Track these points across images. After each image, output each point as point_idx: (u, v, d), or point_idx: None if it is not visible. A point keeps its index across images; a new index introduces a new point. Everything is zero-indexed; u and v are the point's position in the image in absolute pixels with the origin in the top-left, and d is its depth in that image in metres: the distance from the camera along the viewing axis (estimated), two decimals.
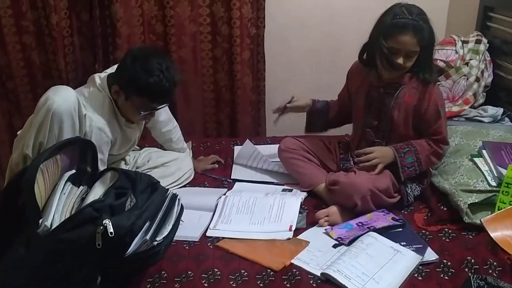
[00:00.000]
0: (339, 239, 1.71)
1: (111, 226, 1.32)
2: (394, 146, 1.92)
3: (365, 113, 2.02)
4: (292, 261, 1.62)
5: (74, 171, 1.58)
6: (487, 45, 2.47)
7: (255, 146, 2.31)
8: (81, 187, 1.55)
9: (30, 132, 1.71)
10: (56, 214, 1.40)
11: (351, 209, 1.85)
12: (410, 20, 1.78)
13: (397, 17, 1.80)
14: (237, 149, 2.39)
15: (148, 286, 1.52)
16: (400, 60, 1.83)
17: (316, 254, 1.65)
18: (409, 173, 1.91)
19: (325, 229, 1.79)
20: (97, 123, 1.82)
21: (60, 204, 1.43)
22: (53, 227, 1.36)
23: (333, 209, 1.86)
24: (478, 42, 2.46)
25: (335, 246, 1.70)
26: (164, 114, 2.18)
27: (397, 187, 1.91)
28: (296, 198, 1.93)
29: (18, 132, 1.85)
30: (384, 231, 1.72)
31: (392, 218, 1.80)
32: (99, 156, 1.75)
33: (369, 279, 1.51)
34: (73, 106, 1.71)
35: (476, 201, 1.77)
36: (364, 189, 1.81)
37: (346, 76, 2.16)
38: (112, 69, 1.97)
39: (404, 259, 1.59)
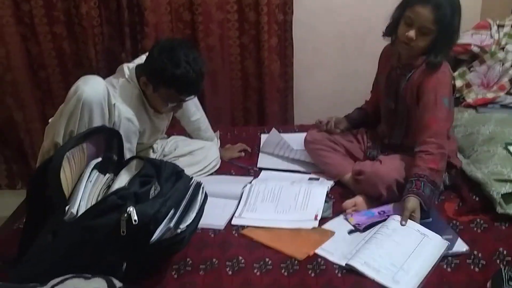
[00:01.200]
0: (357, 225, 1.69)
1: (135, 214, 1.33)
2: (417, 193, 1.69)
3: (385, 96, 1.98)
4: (316, 251, 1.60)
5: (100, 159, 1.60)
6: None
7: (281, 135, 2.29)
8: (107, 175, 1.57)
9: (61, 121, 1.74)
10: (82, 202, 1.42)
11: (377, 199, 1.82)
12: None
13: None
14: (263, 137, 2.38)
15: (173, 273, 1.53)
16: (412, 33, 1.74)
17: (341, 244, 1.63)
18: (432, 200, 1.75)
19: (345, 216, 1.76)
20: (126, 113, 1.83)
21: (86, 191, 1.45)
22: (79, 214, 1.38)
23: (360, 199, 1.84)
24: None
25: (350, 232, 1.68)
26: (192, 104, 2.19)
27: None
28: (323, 187, 1.91)
29: (50, 120, 1.89)
30: None
31: None
32: (127, 145, 1.77)
33: (398, 270, 1.48)
34: (102, 95, 1.72)
35: (510, 191, 1.71)
36: (389, 178, 1.77)
37: (378, 62, 2.10)
38: (141, 59, 1.98)
39: (431, 244, 1.56)
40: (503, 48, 2.32)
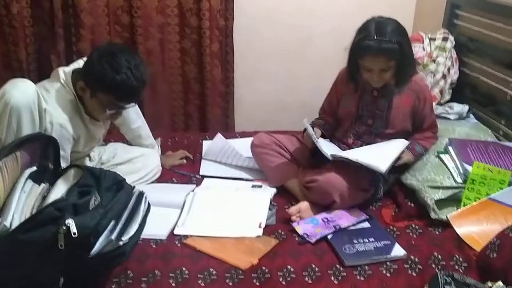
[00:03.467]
0: (305, 235, 1.71)
1: (74, 226, 1.28)
2: (411, 149, 1.97)
3: (357, 115, 2.04)
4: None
5: (35, 168, 1.52)
6: (454, 42, 2.50)
7: (226, 140, 2.28)
8: (43, 185, 1.49)
9: None
10: (16, 214, 1.34)
11: (327, 206, 1.85)
12: (377, 42, 1.81)
13: (365, 38, 1.84)
14: (206, 144, 2.36)
15: (113, 287, 1.48)
16: (375, 77, 1.89)
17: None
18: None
19: (292, 224, 1.78)
20: (58, 119, 1.75)
21: (20, 203, 1.37)
22: (12, 227, 1.30)
23: (304, 205, 1.86)
24: (445, 39, 2.49)
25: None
26: (132, 110, 2.13)
27: (371, 179, 1.92)
28: (266, 194, 1.92)
29: None
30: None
31: (356, 213, 1.82)
32: (61, 153, 1.69)
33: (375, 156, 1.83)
34: (32, 100, 1.64)
35: (443, 197, 1.80)
36: (342, 186, 1.82)
37: (334, 84, 2.15)
38: (78, 63, 1.90)
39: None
40: (434, 60, 2.44)
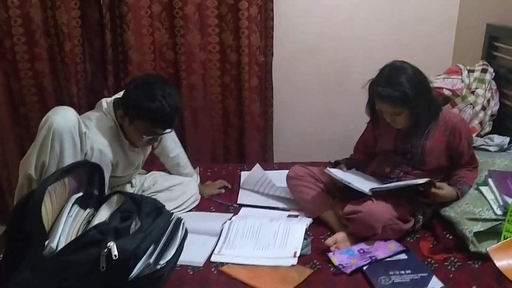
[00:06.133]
0: (340, 266, 1.71)
1: (115, 249, 1.34)
2: (458, 189, 1.95)
3: (394, 152, 2.06)
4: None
5: (81, 194, 1.61)
6: (493, 74, 2.48)
7: (265, 171, 2.32)
8: (88, 210, 1.57)
9: (32, 152, 1.74)
10: (62, 236, 1.41)
11: (366, 238, 1.86)
12: (383, 89, 1.86)
13: (375, 82, 1.90)
14: (243, 174, 2.41)
15: None
16: (389, 119, 1.94)
17: None
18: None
19: (327, 254, 1.78)
20: (98, 144, 1.85)
21: (66, 226, 1.45)
22: (58, 249, 1.37)
23: (341, 236, 1.87)
24: (484, 71, 2.48)
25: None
26: (170, 139, 2.22)
27: (411, 211, 1.93)
28: (301, 224, 1.93)
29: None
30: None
31: (393, 245, 1.81)
32: None
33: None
34: (72, 124, 1.74)
35: (482, 229, 1.76)
36: (384, 218, 1.82)
37: (369, 123, 2.18)
38: (120, 94, 2.02)
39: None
40: (473, 92, 2.42)
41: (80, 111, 1.90)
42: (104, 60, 2.66)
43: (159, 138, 2.07)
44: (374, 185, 1.95)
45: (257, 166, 2.36)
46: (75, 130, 1.74)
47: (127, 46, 2.59)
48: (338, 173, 1.99)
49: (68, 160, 1.73)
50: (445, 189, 1.92)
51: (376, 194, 1.88)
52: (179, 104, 1.88)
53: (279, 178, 2.28)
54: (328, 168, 2.02)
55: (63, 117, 1.73)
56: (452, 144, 1.98)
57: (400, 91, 1.84)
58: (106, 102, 1.96)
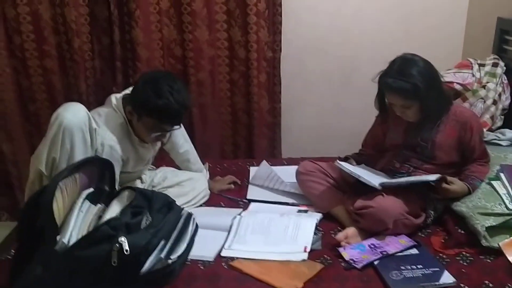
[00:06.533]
0: (352, 261, 1.70)
1: (126, 244, 1.35)
2: (469, 184, 1.93)
3: (404, 146, 2.04)
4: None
5: (92, 189, 1.61)
6: (504, 68, 2.46)
7: (272, 167, 2.32)
8: (99, 205, 1.57)
9: (43, 148, 1.75)
10: (74, 231, 1.42)
11: (377, 233, 1.84)
12: (394, 81, 1.85)
13: (386, 75, 1.89)
14: (253, 170, 2.41)
15: None
16: (399, 112, 1.93)
17: None
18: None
19: (338, 249, 1.78)
20: (109, 141, 1.85)
21: (77, 222, 1.46)
22: (70, 244, 1.38)
23: (351, 231, 1.86)
24: (495, 65, 2.46)
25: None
26: (180, 135, 2.22)
27: (422, 206, 1.91)
28: (312, 219, 1.93)
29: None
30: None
31: (404, 240, 1.80)
32: None
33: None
34: (83, 120, 1.74)
35: (494, 224, 1.75)
36: (396, 213, 1.81)
37: (378, 117, 2.17)
38: (129, 90, 2.02)
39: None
40: (484, 86, 2.40)
41: (89, 108, 1.91)
42: (112, 57, 2.66)
43: (168, 134, 2.07)
44: (384, 180, 1.95)
45: (264, 163, 2.36)
46: (86, 127, 1.74)
47: (135, 43, 2.59)
48: (349, 166, 1.98)
49: (79, 156, 1.73)
50: (456, 184, 1.90)
51: (386, 189, 1.87)
52: (187, 100, 1.88)
53: (288, 173, 2.27)
54: (338, 161, 2.02)
55: (73, 114, 1.73)
56: (463, 139, 1.96)
57: (411, 83, 1.82)
58: (115, 98, 1.96)
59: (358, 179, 1.91)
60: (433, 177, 1.85)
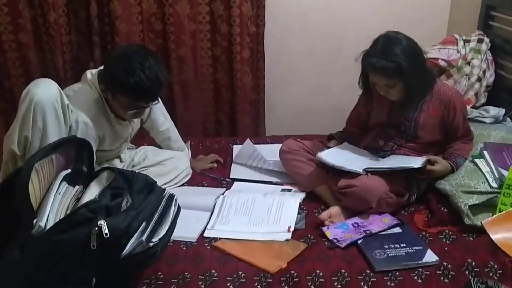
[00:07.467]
0: (335, 240, 1.70)
1: (106, 227, 1.30)
2: (453, 162, 1.92)
3: (387, 124, 2.03)
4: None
5: (69, 170, 1.56)
6: (489, 44, 2.44)
7: (255, 146, 2.29)
8: (77, 187, 1.52)
9: (14, 127, 1.68)
10: (51, 214, 1.37)
11: (360, 212, 1.84)
12: (378, 60, 1.81)
13: (369, 54, 1.85)
14: (236, 148, 2.38)
15: None
16: (382, 91, 1.90)
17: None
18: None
19: (322, 228, 1.77)
20: (83, 117, 1.79)
21: (55, 204, 1.41)
22: (47, 228, 1.34)
23: (335, 210, 1.85)
24: (480, 41, 2.44)
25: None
26: (160, 113, 2.16)
27: (406, 184, 1.91)
28: (295, 199, 1.91)
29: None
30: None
31: (387, 219, 1.80)
32: None
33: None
34: (54, 96, 1.68)
35: (477, 202, 1.75)
36: (379, 192, 1.80)
37: (361, 96, 2.14)
38: None
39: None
40: (469, 63, 2.39)
41: (66, 84, 1.85)
42: (90, 31, 2.58)
43: (146, 111, 2.00)
44: (367, 161, 1.94)
45: (248, 141, 2.33)
46: (58, 103, 1.68)
47: (114, 17, 2.51)
48: (330, 158, 1.95)
49: (52, 134, 1.68)
50: (440, 164, 1.90)
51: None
52: (161, 76, 1.80)
53: (271, 152, 2.25)
54: (318, 154, 1.99)
55: (44, 89, 1.67)
56: (447, 118, 1.96)
57: (395, 63, 1.79)
58: (91, 74, 1.89)
59: (341, 169, 1.89)
60: (417, 164, 1.84)
